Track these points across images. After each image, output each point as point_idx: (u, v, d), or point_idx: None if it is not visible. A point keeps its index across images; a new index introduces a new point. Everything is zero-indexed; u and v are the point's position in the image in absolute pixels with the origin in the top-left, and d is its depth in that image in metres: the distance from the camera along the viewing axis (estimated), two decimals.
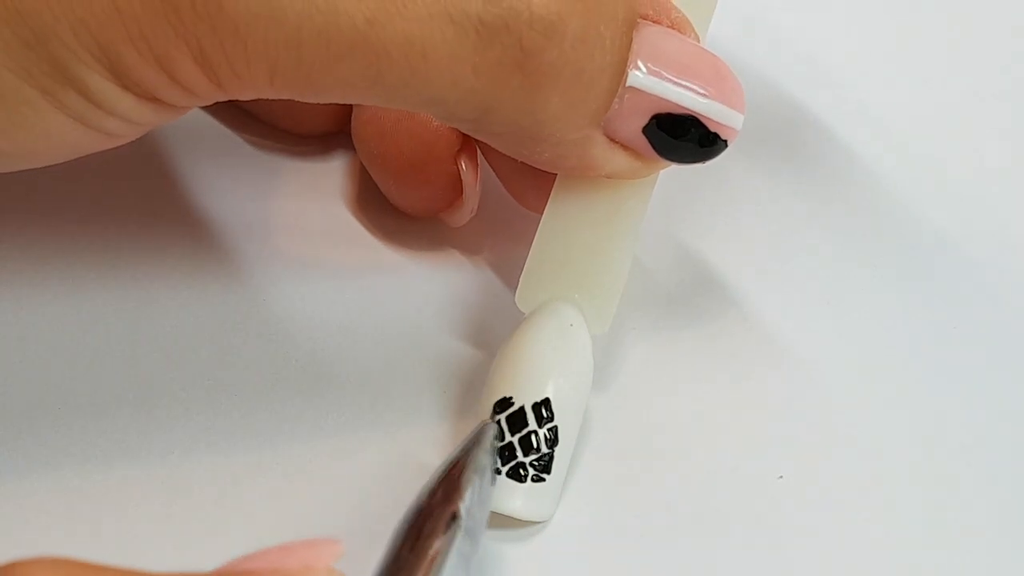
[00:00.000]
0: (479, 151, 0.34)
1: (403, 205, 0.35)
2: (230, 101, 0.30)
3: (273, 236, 0.35)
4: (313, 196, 0.36)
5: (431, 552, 0.25)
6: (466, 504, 0.26)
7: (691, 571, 0.30)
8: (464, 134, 0.34)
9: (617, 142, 0.29)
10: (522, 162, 0.30)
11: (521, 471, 0.29)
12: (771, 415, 0.33)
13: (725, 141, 0.29)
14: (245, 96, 0.27)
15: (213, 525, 0.30)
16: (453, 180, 0.34)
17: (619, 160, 0.29)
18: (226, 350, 0.33)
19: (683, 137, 0.29)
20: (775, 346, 0.34)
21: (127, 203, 0.35)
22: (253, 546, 0.24)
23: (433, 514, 0.26)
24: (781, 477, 0.32)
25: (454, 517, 0.26)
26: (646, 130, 0.29)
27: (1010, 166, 0.39)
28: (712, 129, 0.29)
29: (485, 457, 0.28)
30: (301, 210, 0.36)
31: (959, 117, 0.40)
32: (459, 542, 0.26)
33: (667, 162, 0.29)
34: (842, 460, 0.32)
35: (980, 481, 0.32)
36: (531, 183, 0.33)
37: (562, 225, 0.31)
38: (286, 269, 0.34)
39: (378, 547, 0.26)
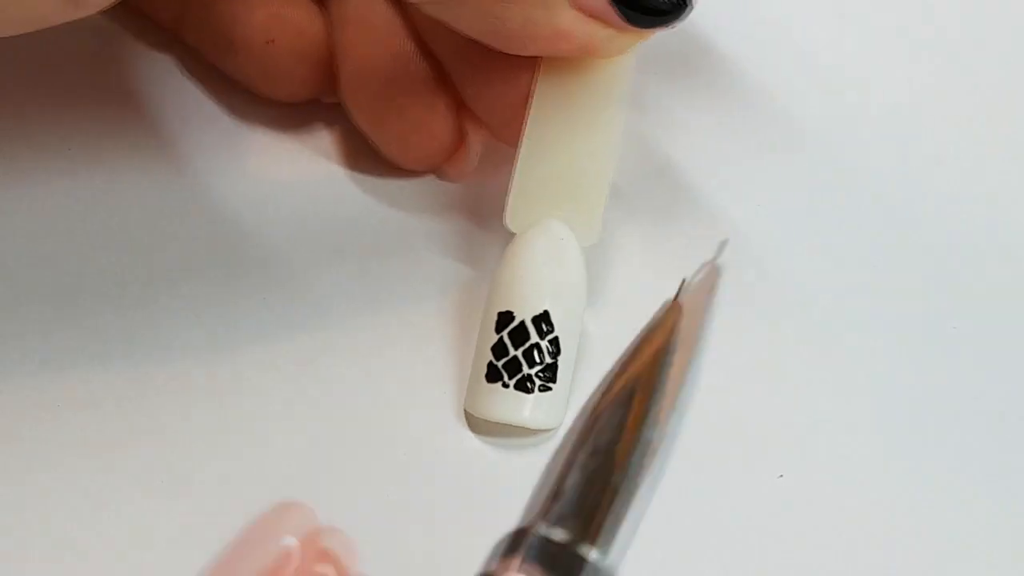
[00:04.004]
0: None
1: (405, 162, 0.36)
2: (214, 69, 0.32)
3: (265, 219, 0.35)
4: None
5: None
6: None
7: (690, 571, 0.30)
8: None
9: (585, 12, 0.30)
10: (500, 97, 0.31)
11: (528, 383, 0.31)
12: (771, 415, 0.33)
13: (688, 2, 0.30)
14: None
15: (213, 525, 0.30)
16: (454, 132, 0.35)
17: (589, 30, 0.30)
18: (225, 347, 0.33)
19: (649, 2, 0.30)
20: (775, 346, 0.34)
21: (126, 200, 0.35)
22: None
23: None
24: (781, 477, 0.32)
25: None
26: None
27: (1010, 167, 0.39)
28: None
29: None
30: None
31: (959, 117, 0.40)
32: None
33: (636, 31, 0.30)
34: (842, 460, 0.32)
35: (981, 481, 0.32)
36: (510, 115, 0.33)
37: (542, 142, 0.32)
38: (283, 254, 0.34)
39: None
